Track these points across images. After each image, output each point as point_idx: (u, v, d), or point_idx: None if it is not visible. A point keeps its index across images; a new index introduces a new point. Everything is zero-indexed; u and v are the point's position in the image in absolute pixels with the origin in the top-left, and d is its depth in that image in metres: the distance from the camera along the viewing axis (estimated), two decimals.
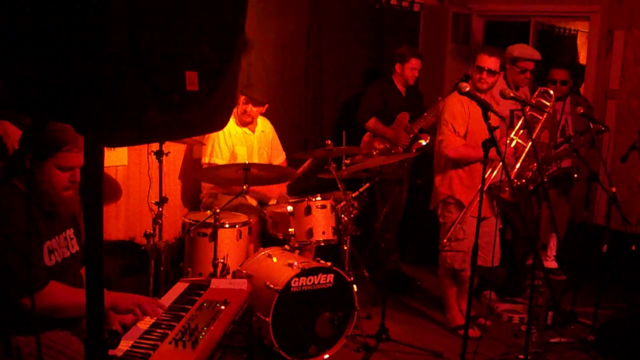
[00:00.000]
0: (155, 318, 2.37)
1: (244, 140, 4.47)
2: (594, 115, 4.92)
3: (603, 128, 4.30)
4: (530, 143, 3.90)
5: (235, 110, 4.42)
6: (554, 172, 4.81)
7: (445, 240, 4.11)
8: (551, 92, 4.21)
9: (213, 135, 4.33)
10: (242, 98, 4.38)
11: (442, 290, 4.43)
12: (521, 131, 4.02)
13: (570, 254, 5.14)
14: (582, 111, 4.35)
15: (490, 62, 4.05)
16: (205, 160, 4.38)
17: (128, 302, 2.35)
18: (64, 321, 2.36)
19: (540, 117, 4.17)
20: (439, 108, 4.92)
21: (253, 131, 4.53)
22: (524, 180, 4.27)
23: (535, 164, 4.19)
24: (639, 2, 5.65)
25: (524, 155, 4.01)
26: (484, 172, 3.09)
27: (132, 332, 2.26)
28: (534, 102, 4.16)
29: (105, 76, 1.13)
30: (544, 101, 4.18)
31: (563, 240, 5.22)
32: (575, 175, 4.69)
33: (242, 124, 4.46)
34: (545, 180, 4.63)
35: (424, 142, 5.19)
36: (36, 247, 2.28)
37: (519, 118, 4.20)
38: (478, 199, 3.13)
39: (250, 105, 4.38)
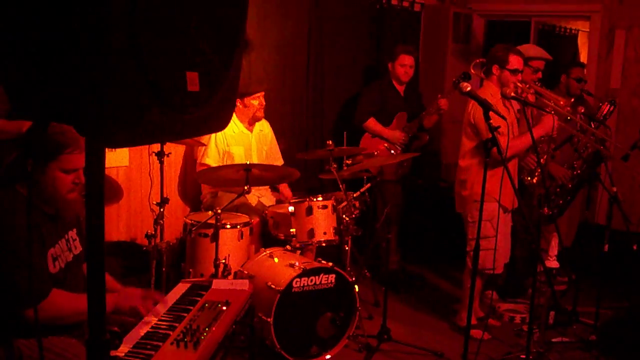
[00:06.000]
0: (155, 318, 2.37)
1: (241, 139, 4.46)
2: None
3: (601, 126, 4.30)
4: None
5: (247, 112, 4.42)
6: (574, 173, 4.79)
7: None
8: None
9: (212, 135, 4.32)
10: (253, 96, 4.39)
11: (466, 289, 4.15)
12: None
13: (571, 254, 5.13)
14: (582, 110, 4.34)
15: (521, 62, 4.03)
16: (199, 160, 4.38)
17: (131, 301, 2.36)
18: (66, 327, 2.36)
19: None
20: (439, 106, 4.93)
21: (251, 131, 4.53)
22: (535, 180, 4.28)
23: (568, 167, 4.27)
24: None
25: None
26: (485, 171, 3.09)
27: (133, 332, 2.26)
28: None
29: (106, 77, 1.13)
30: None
31: (571, 245, 5.19)
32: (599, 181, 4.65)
33: (255, 120, 4.48)
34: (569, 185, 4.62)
35: (422, 142, 5.20)
36: (40, 256, 2.26)
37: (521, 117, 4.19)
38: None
39: (261, 97, 4.39)
